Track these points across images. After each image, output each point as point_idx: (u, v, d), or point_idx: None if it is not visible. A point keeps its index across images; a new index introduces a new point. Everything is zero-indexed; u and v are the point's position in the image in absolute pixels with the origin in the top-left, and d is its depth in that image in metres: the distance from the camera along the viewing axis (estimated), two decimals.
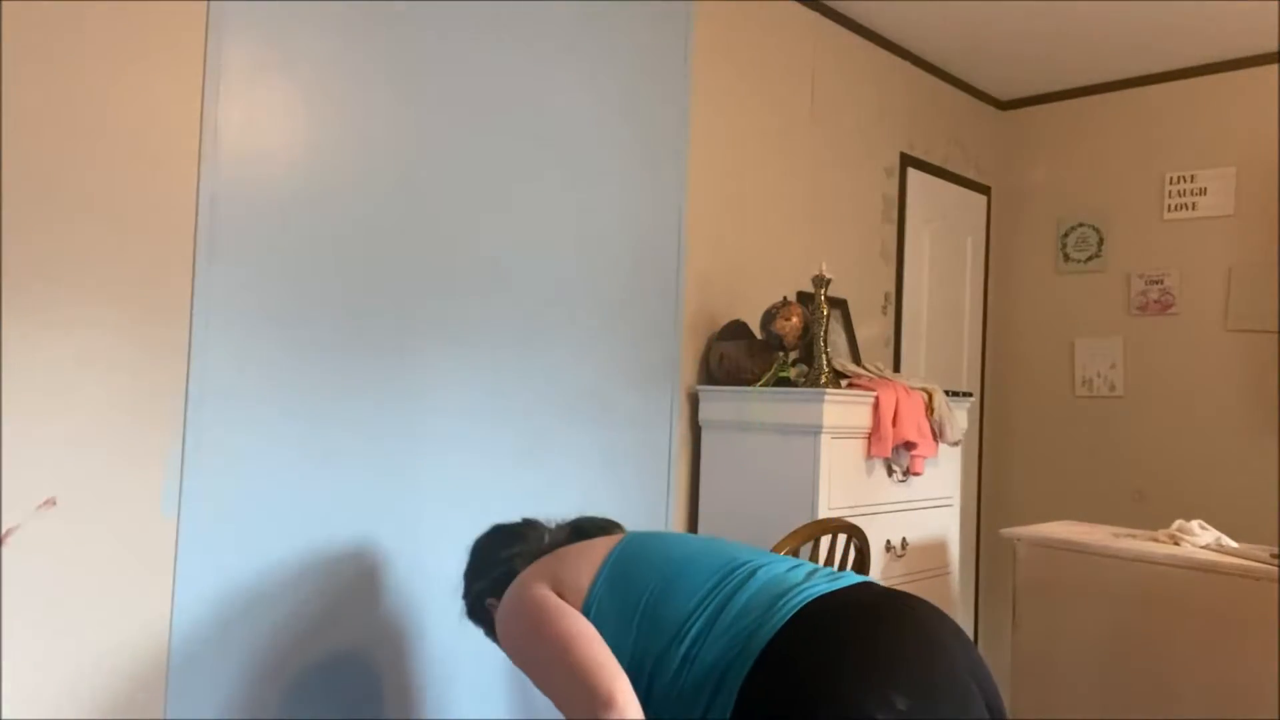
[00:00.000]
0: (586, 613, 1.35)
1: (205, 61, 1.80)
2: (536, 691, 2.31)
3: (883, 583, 2.59)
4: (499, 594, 1.56)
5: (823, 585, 1.27)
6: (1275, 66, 3.55)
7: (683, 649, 1.26)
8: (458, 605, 1.72)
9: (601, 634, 1.30)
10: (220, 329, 1.81)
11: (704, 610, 1.28)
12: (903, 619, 1.23)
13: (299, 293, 1.94)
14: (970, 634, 4.06)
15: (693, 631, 1.26)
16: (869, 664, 1.15)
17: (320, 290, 1.97)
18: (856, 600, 1.26)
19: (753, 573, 1.31)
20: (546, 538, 1.64)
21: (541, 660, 1.31)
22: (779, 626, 1.20)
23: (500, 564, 1.60)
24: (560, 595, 1.37)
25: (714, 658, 1.23)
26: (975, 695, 1.20)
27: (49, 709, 1.62)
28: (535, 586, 1.39)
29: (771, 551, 1.49)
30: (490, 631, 1.64)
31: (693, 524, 2.77)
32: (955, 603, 3.01)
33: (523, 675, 2.30)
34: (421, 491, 2.12)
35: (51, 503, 1.61)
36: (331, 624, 1.98)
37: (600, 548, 1.46)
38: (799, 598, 1.23)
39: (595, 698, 1.18)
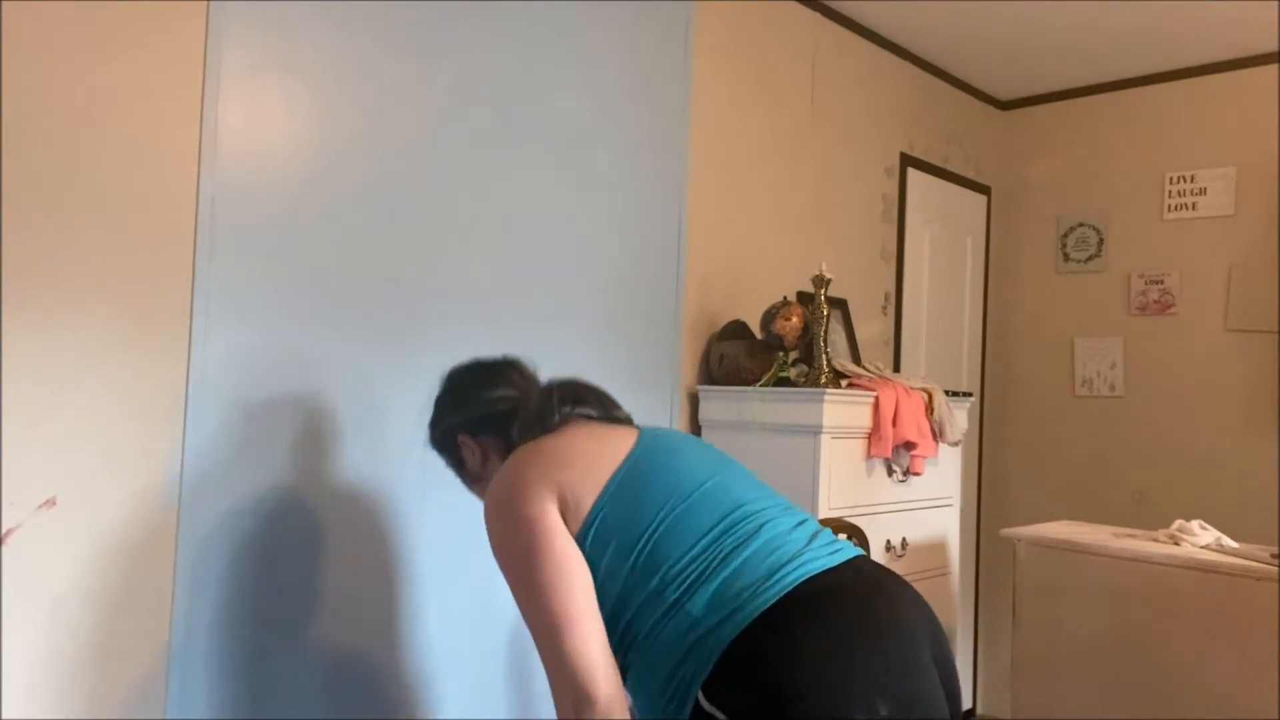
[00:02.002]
0: (586, 533, 1.27)
1: (205, 61, 1.80)
2: (535, 691, 2.31)
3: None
4: (474, 433, 1.51)
5: (821, 559, 1.25)
6: (1275, 66, 3.55)
7: (672, 596, 1.22)
8: (421, 433, 1.63)
9: (596, 560, 1.26)
10: (220, 329, 1.81)
11: (702, 560, 1.24)
12: (894, 611, 1.24)
13: (299, 292, 1.93)
14: (970, 634, 4.07)
15: (687, 581, 1.22)
16: (858, 666, 1.16)
17: (321, 290, 1.96)
18: (851, 585, 1.25)
19: (759, 527, 1.27)
20: (536, 398, 1.48)
21: (526, 599, 1.25)
22: (771, 602, 1.18)
23: (480, 404, 1.51)
24: (563, 511, 1.28)
25: (700, 614, 1.20)
26: (939, 686, 1.23)
27: (49, 709, 1.62)
28: (535, 496, 1.28)
29: (776, 495, 1.40)
30: (455, 465, 1.58)
31: None
32: (955, 603, 3.01)
33: (522, 673, 2.31)
34: (423, 495, 2.12)
35: (51, 503, 1.61)
36: (335, 622, 1.98)
37: (609, 454, 1.34)
38: (795, 574, 1.21)
39: (578, 691, 1.17)
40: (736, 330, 2.83)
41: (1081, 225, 4.02)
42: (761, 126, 3.06)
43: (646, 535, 1.26)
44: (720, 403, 2.71)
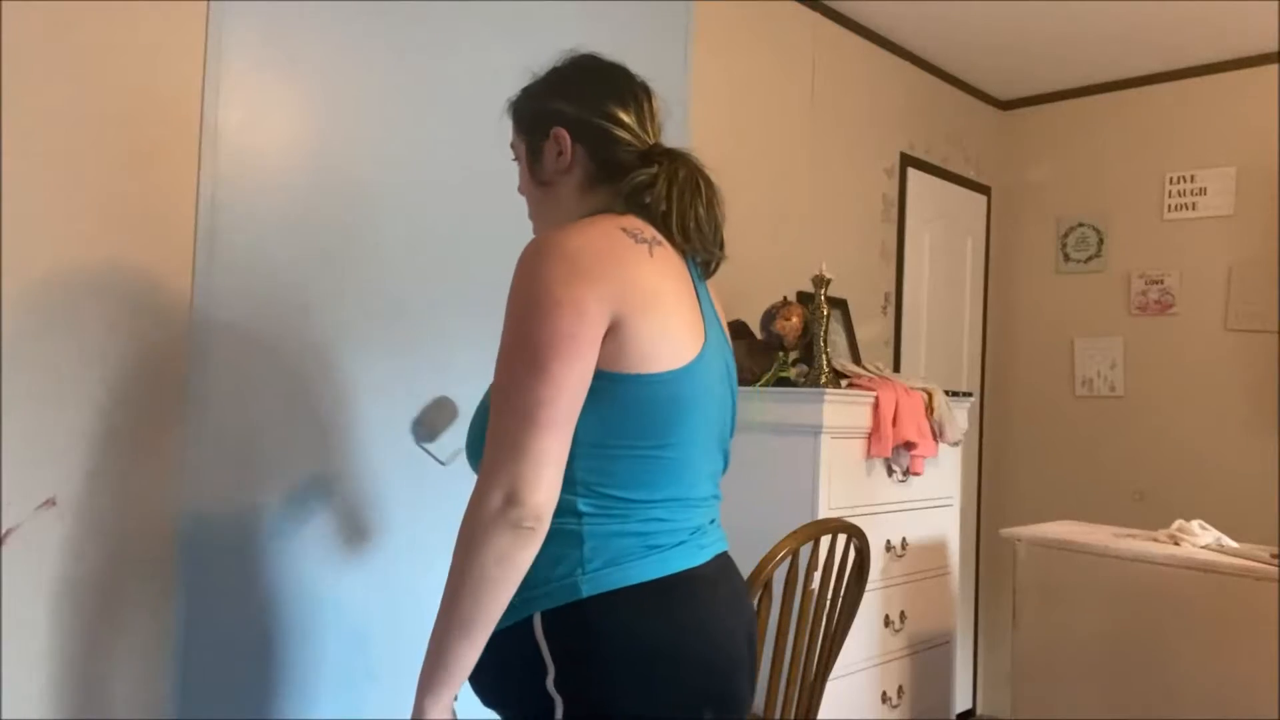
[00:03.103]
0: (596, 377, 1.15)
1: (205, 61, 1.80)
2: None
3: (872, 582, 2.60)
4: (577, 136, 1.29)
5: (692, 553, 1.24)
6: (1275, 66, 3.55)
7: (583, 508, 1.17)
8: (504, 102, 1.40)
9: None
10: (220, 328, 1.81)
11: (625, 506, 1.18)
12: (732, 614, 1.27)
13: (299, 292, 1.93)
14: (970, 634, 4.07)
15: (605, 509, 1.18)
16: (697, 674, 1.18)
17: (321, 290, 1.97)
18: (706, 582, 1.24)
19: (679, 508, 1.24)
20: (680, 182, 1.29)
21: (519, 374, 1.12)
22: (647, 579, 1.17)
23: (604, 116, 1.29)
24: (607, 335, 1.14)
25: (587, 550, 1.16)
26: (749, 679, 1.29)
27: (49, 709, 1.62)
28: (600, 299, 1.13)
29: (714, 478, 1.36)
30: (528, 148, 1.35)
31: None
32: (955, 603, 3.02)
33: None
34: (427, 506, 2.12)
35: (51, 503, 1.61)
36: (336, 621, 1.98)
37: (677, 341, 1.20)
38: (669, 562, 1.20)
39: (515, 486, 1.08)
40: (736, 330, 2.83)
41: (1081, 225, 4.02)
42: (761, 126, 3.06)
43: (620, 447, 1.18)
44: None
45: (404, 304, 2.10)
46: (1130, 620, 2.42)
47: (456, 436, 1.94)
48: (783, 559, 1.75)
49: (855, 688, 2.60)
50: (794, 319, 2.67)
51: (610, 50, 1.38)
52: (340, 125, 2.00)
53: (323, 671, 1.97)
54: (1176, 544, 2.48)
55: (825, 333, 2.61)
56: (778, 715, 1.83)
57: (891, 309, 3.66)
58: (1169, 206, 3.79)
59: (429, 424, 1.91)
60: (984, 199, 4.19)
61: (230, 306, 1.83)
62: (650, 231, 1.24)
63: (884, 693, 2.71)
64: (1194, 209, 3.74)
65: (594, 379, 1.14)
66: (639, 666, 1.14)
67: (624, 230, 1.21)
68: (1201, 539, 2.48)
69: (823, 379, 2.54)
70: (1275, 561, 2.25)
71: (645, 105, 1.33)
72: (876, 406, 2.59)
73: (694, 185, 1.30)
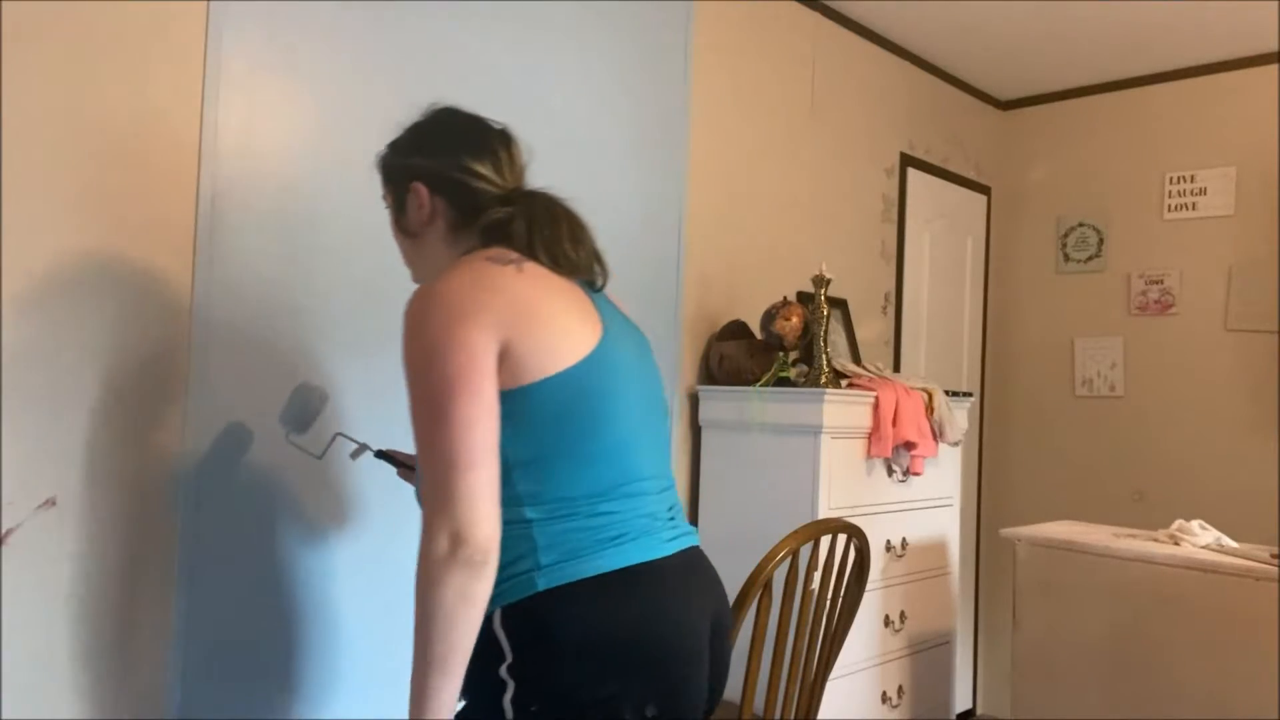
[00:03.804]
0: (504, 398, 1.20)
1: (205, 61, 1.80)
2: None
3: (872, 582, 2.60)
4: (434, 188, 1.37)
5: (659, 545, 1.28)
6: (1275, 66, 3.55)
7: (530, 515, 1.22)
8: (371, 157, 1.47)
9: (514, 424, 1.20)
10: (220, 328, 1.81)
11: (570, 505, 1.23)
12: (689, 610, 1.29)
13: (299, 292, 1.93)
14: (970, 634, 4.07)
15: (551, 512, 1.23)
16: (648, 665, 1.22)
17: (321, 289, 1.96)
18: (669, 574, 1.28)
19: (634, 499, 1.28)
20: (537, 212, 1.34)
21: (430, 424, 1.18)
22: (603, 571, 1.22)
23: (455, 168, 1.36)
24: (500, 359, 1.19)
25: (542, 544, 1.21)
26: (717, 674, 1.33)
27: (49, 709, 1.62)
28: (485, 328, 1.19)
29: (665, 465, 1.38)
30: (395, 205, 1.43)
31: (693, 524, 2.75)
32: (955, 603, 3.02)
33: None
34: None
35: (51, 503, 1.61)
36: (337, 621, 1.98)
37: (571, 337, 1.25)
38: (628, 553, 1.24)
39: (458, 527, 1.13)
40: (736, 330, 2.83)
41: (1081, 225, 4.02)
42: (761, 126, 3.06)
43: (549, 453, 1.23)
44: (720, 403, 2.71)
45: (404, 302, 2.10)
46: (1130, 620, 2.42)
47: (333, 425, 1.91)
48: (783, 559, 1.75)
49: (855, 688, 2.60)
50: (794, 319, 2.67)
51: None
52: (340, 125, 2.00)
53: (324, 671, 1.97)
54: (1176, 544, 2.48)
55: (825, 333, 2.61)
56: (778, 715, 1.83)
57: (891, 309, 3.66)
58: (1169, 206, 3.79)
59: (296, 416, 1.83)
60: (984, 199, 4.19)
61: (230, 306, 1.83)
62: (515, 255, 1.30)
63: (884, 693, 2.71)
64: (1194, 209, 3.74)
65: (504, 402, 1.20)
66: (590, 655, 1.20)
67: (489, 259, 1.28)
68: (1201, 539, 2.48)
69: (823, 379, 2.54)
70: (1275, 561, 2.25)
71: (502, 153, 1.40)
72: (876, 406, 2.60)
73: (552, 219, 1.35)
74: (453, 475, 1.15)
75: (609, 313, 1.37)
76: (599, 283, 1.40)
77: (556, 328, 1.24)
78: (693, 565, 1.34)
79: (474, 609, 1.14)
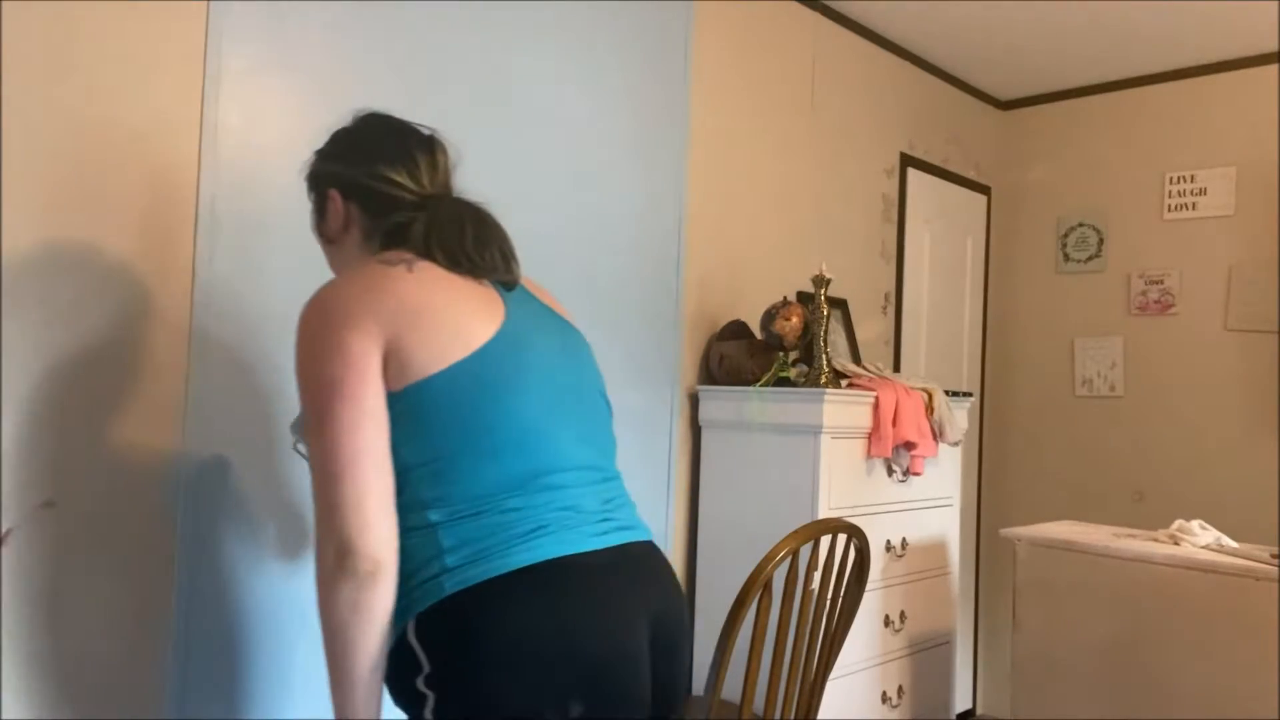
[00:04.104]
0: (395, 400, 1.18)
1: (205, 62, 1.80)
2: None
3: (872, 582, 2.60)
4: (347, 196, 1.37)
5: (589, 539, 1.23)
6: (1275, 66, 3.55)
7: (434, 518, 1.18)
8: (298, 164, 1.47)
9: (403, 429, 1.18)
10: (220, 328, 1.81)
11: (483, 502, 1.19)
12: (624, 607, 1.24)
13: (299, 292, 1.93)
14: (970, 634, 4.06)
15: (457, 512, 1.18)
16: (569, 665, 1.17)
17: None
18: (597, 570, 1.22)
19: (557, 492, 1.23)
20: (442, 218, 1.31)
21: (315, 431, 1.16)
22: (510, 569, 1.16)
23: (370, 176, 1.35)
24: (385, 363, 1.18)
25: (448, 545, 1.17)
26: (644, 673, 1.24)
27: (49, 709, 1.62)
28: (365, 332, 1.17)
29: (600, 456, 1.34)
30: (316, 211, 1.43)
31: (693, 524, 2.76)
32: (955, 603, 3.02)
33: None
34: None
35: (51, 503, 1.61)
36: None
37: (463, 331, 1.22)
38: (550, 547, 1.19)
39: (343, 538, 1.10)
40: (736, 330, 2.83)
41: (1081, 225, 4.02)
42: (761, 126, 3.06)
43: (448, 451, 1.19)
44: (720, 403, 2.71)
45: None
46: (1130, 620, 2.42)
47: None
48: (783, 559, 1.75)
49: (855, 688, 2.60)
50: (794, 319, 2.67)
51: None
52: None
53: (324, 671, 1.96)
54: (1176, 544, 2.48)
55: (825, 333, 2.61)
56: (778, 715, 1.82)
57: (891, 309, 3.66)
58: (1169, 206, 3.79)
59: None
60: (984, 199, 4.19)
61: (230, 306, 1.83)
62: (408, 255, 1.28)
63: (884, 693, 2.71)
64: (1194, 209, 3.74)
65: (393, 404, 1.18)
66: (507, 659, 1.14)
67: (380, 261, 1.27)
68: (1201, 539, 2.48)
69: (823, 379, 2.54)
70: (1275, 561, 2.25)
71: (421, 159, 1.38)
72: (876, 406, 2.60)
73: (454, 220, 1.32)
74: (333, 484, 1.12)
75: (521, 308, 1.33)
76: (511, 285, 1.36)
77: (445, 324, 1.21)
78: (628, 560, 1.27)
79: (369, 621, 1.11)
